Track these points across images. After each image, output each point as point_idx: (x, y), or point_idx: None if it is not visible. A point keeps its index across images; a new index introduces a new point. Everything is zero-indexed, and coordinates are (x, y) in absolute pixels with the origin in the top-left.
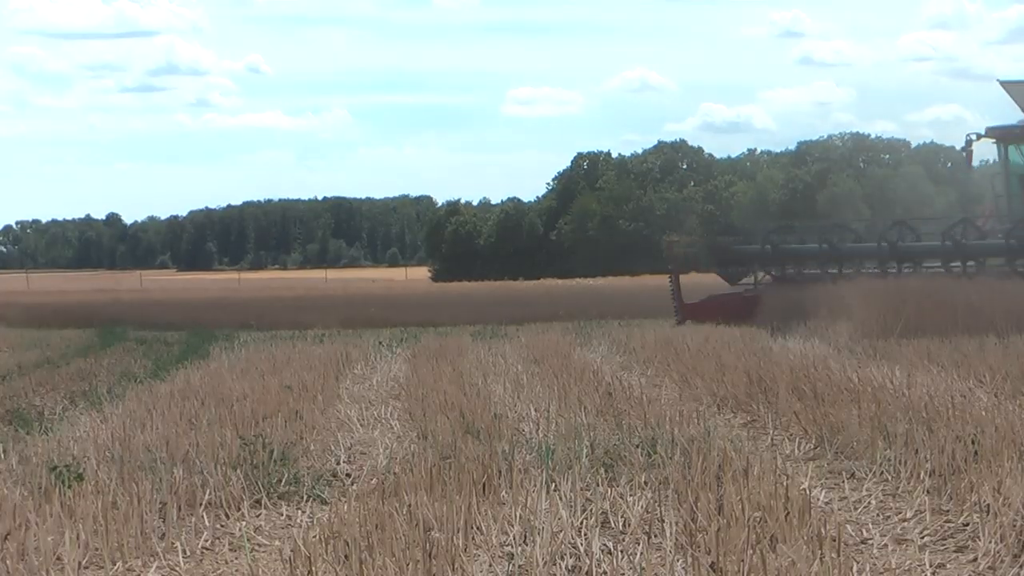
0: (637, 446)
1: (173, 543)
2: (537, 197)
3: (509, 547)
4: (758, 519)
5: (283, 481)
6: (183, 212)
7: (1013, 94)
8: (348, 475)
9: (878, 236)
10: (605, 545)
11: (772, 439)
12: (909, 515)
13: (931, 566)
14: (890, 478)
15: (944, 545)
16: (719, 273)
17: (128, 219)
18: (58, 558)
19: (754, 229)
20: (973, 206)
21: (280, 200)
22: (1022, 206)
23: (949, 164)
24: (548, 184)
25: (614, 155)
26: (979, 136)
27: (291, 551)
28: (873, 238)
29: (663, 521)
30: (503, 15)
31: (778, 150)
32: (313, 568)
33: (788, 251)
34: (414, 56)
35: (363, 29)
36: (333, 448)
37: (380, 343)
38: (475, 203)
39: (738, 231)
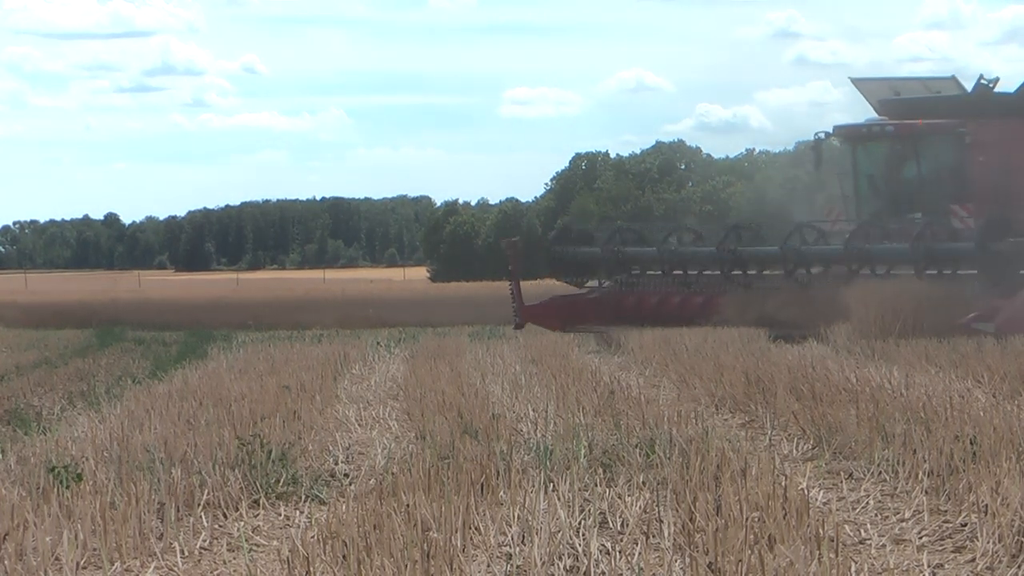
0: (635, 446)
1: (171, 543)
2: (535, 197)
3: (507, 547)
4: (756, 519)
5: (281, 481)
6: (181, 212)
7: (864, 92)
8: (346, 475)
9: (717, 241)
10: (603, 545)
11: (770, 439)
12: (907, 515)
13: (929, 566)
14: (888, 478)
15: (942, 545)
16: (556, 276)
17: (126, 219)
18: (56, 558)
19: (594, 232)
20: (830, 208)
21: (278, 200)
22: (871, 208)
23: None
24: (546, 184)
25: (612, 155)
26: (827, 135)
27: (289, 551)
28: (715, 242)
29: (661, 521)
30: (499, 16)
31: (776, 150)
32: (311, 568)
33: (628, 255)
34: (411, 56)
35: (359, 30)
36: (331, 448)
37: (378, 343)
38: (473, 203)
39: (577, 235)
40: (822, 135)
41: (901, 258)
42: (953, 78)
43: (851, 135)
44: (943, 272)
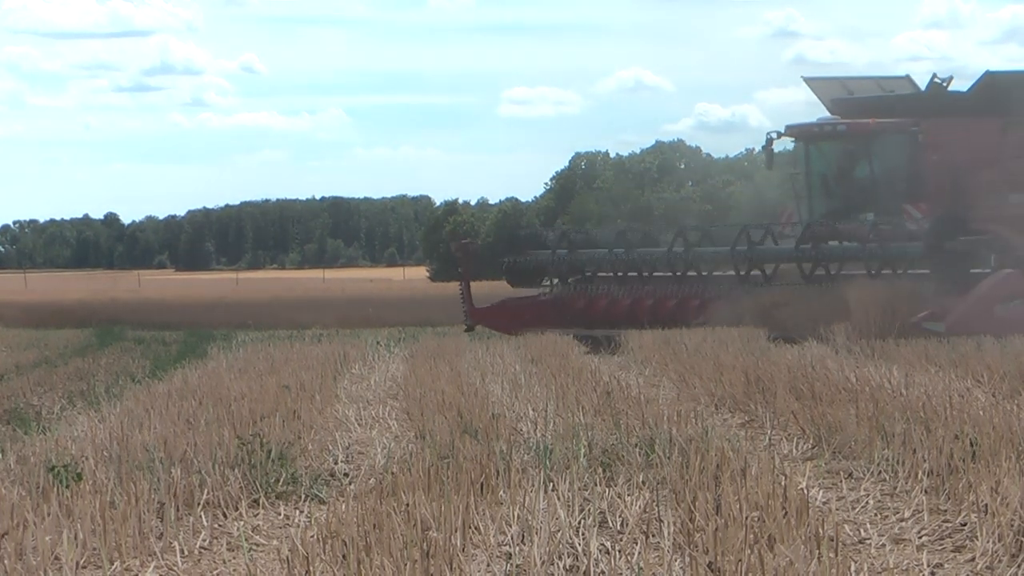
0: (635, 446)
1: (171, 543)
2: (535, 197)
3: (507, 547)
4: (756, 519)
5: (281, 481)
6: (181, 212)
7: (817, 91)
8: (346, 475)
9: (668, 242)
10: (603, 545)
11: (770, 439)
12: (907, 515)
13: (929, 566)
14: (888, 478)
15: (942, 545)
16: (510, 281)
17: (126, 219)
18: (56, 558)
19: (546, 235)
20: (783, 208)
21: (278, 200)
22: (824, 208)
23: None
24: (546, 184)
25: (612, 155)
26: (779, 135)
27: (289, 551)
28: (666, 244)
29: (661, 521)
30: (498, 16)
31: (777, 149)
32: (311, 568)
33: (579, 257)
34: (410, 56)
35: (358, 29)
36: (331, 448)
37: (378, 343)
38: (473, 203)
39: (529, 237)
40: (774, 134)
41: (852, 258)
42: (907, 77)
43: (803, 134)
44: (895, 272)
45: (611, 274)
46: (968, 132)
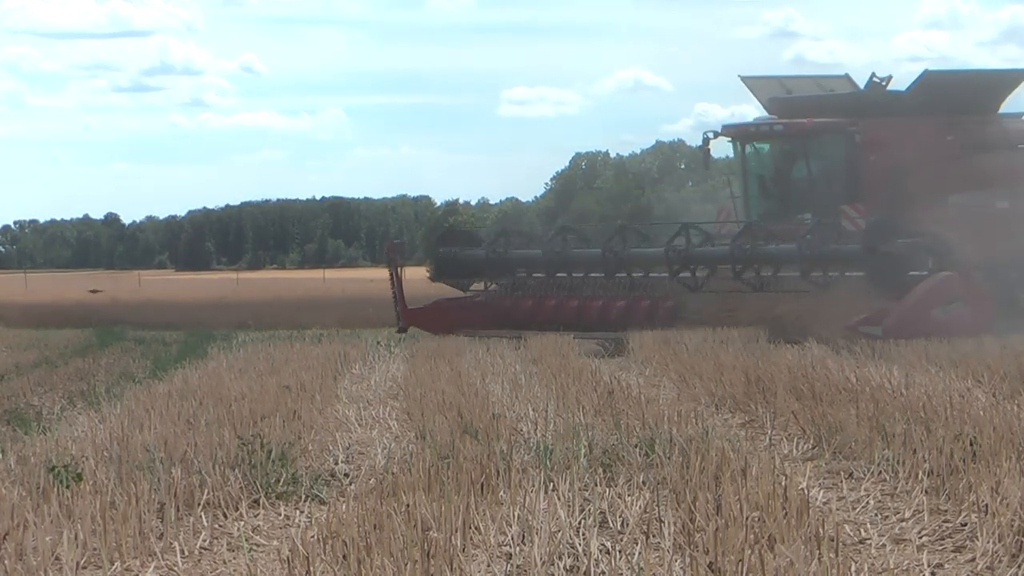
0: (635, 446)
1: (171, 543)
2: (535, 197)
3: (507, 547)
4: (756, 519)
5: (281, 481)
6: (181, 212)
7: (754, 90)
8: (346, 475)
9: (602, 243)
10: (603, 545)
11: (770, 439)
12: (907, 515)
13: (929, 566)
14: (888, 478)
15: (942, 545)
16: (443, 281)
17: (126, 219)
18: (56, 558)
19: (480, 235)
20: (720, 208)
21: (278, 200)
22: (761, 208)
23: None
24: (547, 184)
25: (612, 155)
26: (716, 134)
27: (289, 551)
28: (602, 244)
29: (661, 521)
30: (497, 16)
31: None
32: (311, 568)
33: (513, 257)
34: (409, 56)
35: (358, 29)
36: (331, 448)
37: (378, 343)
38: (474, 203)
39: (462, 237)
40: (711, 134)
41: (788, 260)
42: (846, 76)
43: (739, 134)
44: (830, 274)
45: (545, 275)
46: (907, 132)
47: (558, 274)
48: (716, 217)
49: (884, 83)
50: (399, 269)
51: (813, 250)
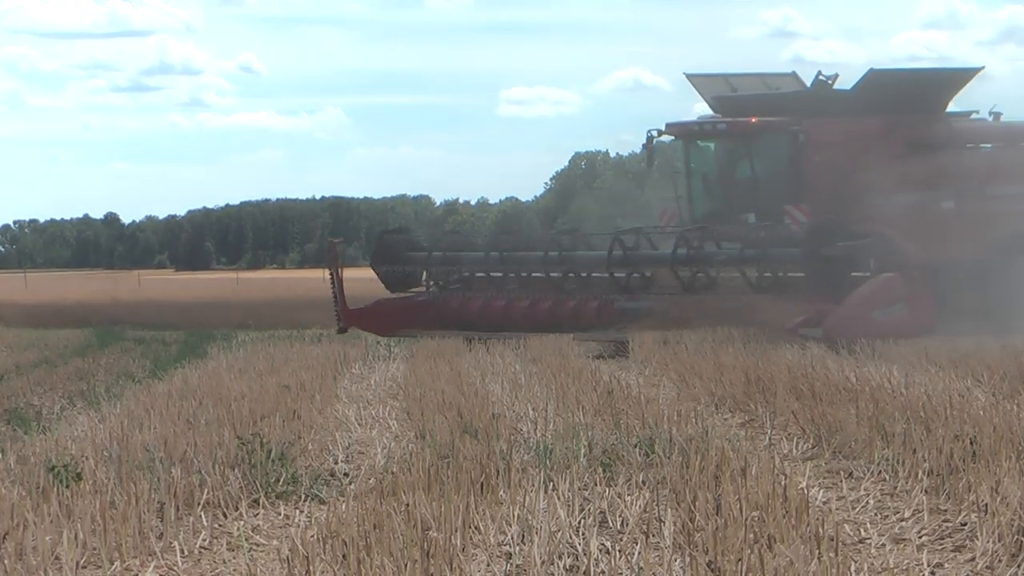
0: (635, 446)
1: (171, 543)
2: (535, 196)
3: (507, 547)
4: (756, 518)
5: (281, 481)
6: (181, 212)
7: (699, 88)
8: (346, 475)
9: (545, 244)
10: (603, 544)
11: (770, 439)
12: (907, 514)
13: (929, 565)
14: (888, 477)
15: (942, 544)
16: (383, 280)
17: (126, 219)
18: (56, 558)
19: (423, 234)
20: (663, 208)
21: (278, 200)
22: (705, 209)
23: None
24: (546, 184)
25: (612, 155)
26: (660, 132)
27: (289, 551)
28: (547, 246)
29: (661, 521)
30: (496, 15)
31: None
32: (311, 568)
33: (455, 258)
34: (408, 56)
35: (357, 29)
36: (331, 448)
37: (378, 343)
38: (473, 203)
39: (404, 238)
40: (654, 132)
41: (730, 262)
42: (793, 74)
43: (683, 132)
44: (776, 275)
45: (488, 276)
46: (851, 131)
47: (501, 274)
48: (659, 217)
49: (830, 82)
50: (339, 269)
51: (755, 252)
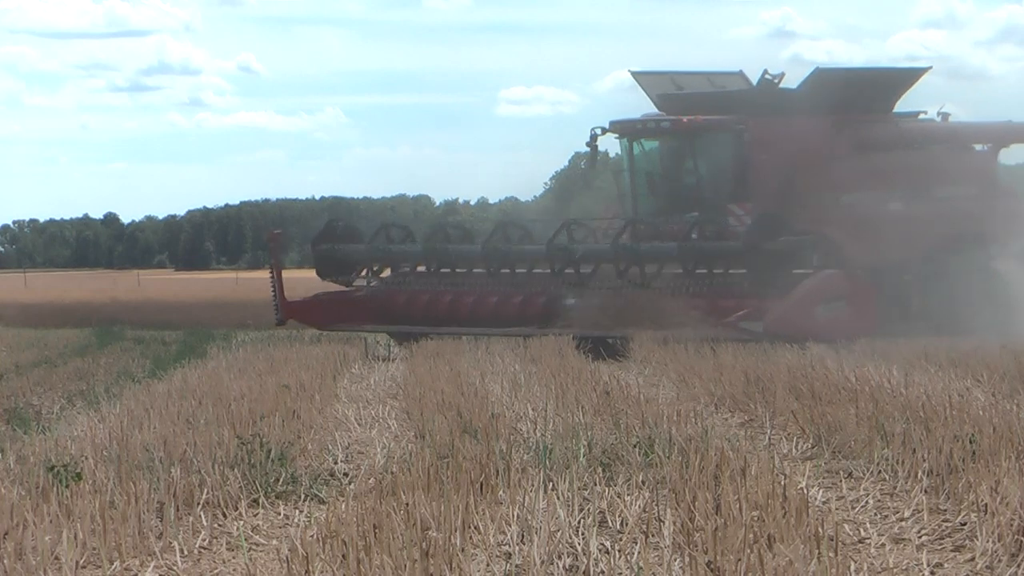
0: (635, 446)
1: (171, 543)
2: (535, 196)
3: (507, 546)
4: (755, 518)
5: (280, 480)
6: (180, 212)
7: (645, 85)
8: (346, 474)
9: (483, 240)
10: (603, 544)
11: (770, 438)
12: (907, 514)
13: (929, 565)
14: (888, 477)
15: (942, 544)
16: (316, 263)
17: (126, 219)
18: (56, 558)
19: (362, 229)
20: (607, 206)
21: (278, 200)
22: (648, 207)
23: None
24: (546, 184)
25: (612, 155)
26: (604, 130)
27: (289, 550)
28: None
29: (661, 520)
30: (494, 15)
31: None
32: (311, 567)
33: (395, 252)
34: (407, 56)
35: (355, 29)
36: (331, 447)
37: (378, 342)
38: (473, 202)
39: (343, 231)
40: (598, 130)
41: (669, 257)
42: (740, 73)
43: (626, 130)
44: (713, 272)
45: (428, 271)
46: (796, 130)
47: (442, 270)
48: (603, 215)
49: (777, 80)
50: (279, 261)
51: (694, 247)
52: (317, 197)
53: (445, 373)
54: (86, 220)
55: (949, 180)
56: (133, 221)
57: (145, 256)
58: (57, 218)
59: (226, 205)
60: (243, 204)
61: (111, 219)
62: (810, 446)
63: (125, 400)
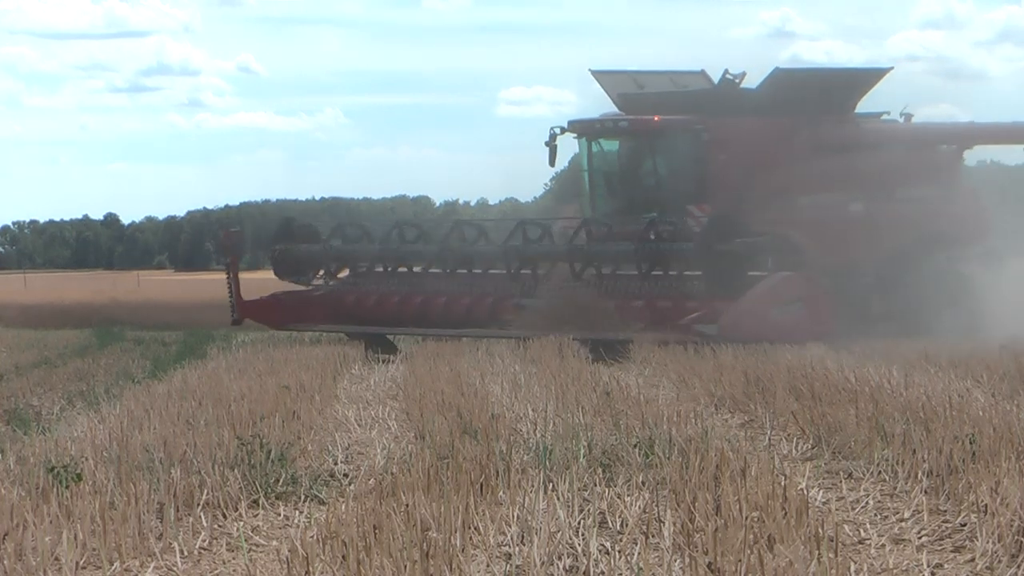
0: (635, 446)
1: (171, 543)
2: (535, 197)
3: (507, 547)
4: (756, 519)
5: (280, 481)
6: (180, 212)
7: (605, 85)
8: (345, 475)
9: (439, 240)
10: (603, 545)
11: (770, 439)
12: (907, 515)
13: (929, 566)
14: (888, 478)
15: (942, 545)
16: (272, 263)
17: (126, 219)
18: (56, 558)
19: (317, 228)
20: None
21: (277, 200)
22: (608, 207)
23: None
24: (546, 184)
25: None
26: (562, 130)
27: (288, 551)
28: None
29: (661, 521)
30: (493, 15)
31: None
32: (311, 568)
33: (350, 252)
34: (406, 56)
35: (354, 30)
36: (331, 448)
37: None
38: (473, 203)
39: (300, 231)
40: (557, 130)
41: (624, 258)
42: (702, 72)
43: (585, 130)
44: (669, 273)
45: (385, 270)
46: (756, 131)
47: (400, 270)
48: (563, 214)
49: (738, 80)
50: (235, 260)
51: (648, 248)
52: (317, 198)
53: (445, 374)
54: (86, 221)
55: (911, 181)
56: (133, 222)
57: (145, 257)
58: (57, 219)
59: (226, 206)
60: (243, 205)
61: (111, 220)
62: (810, 447)
63: (125, 401)
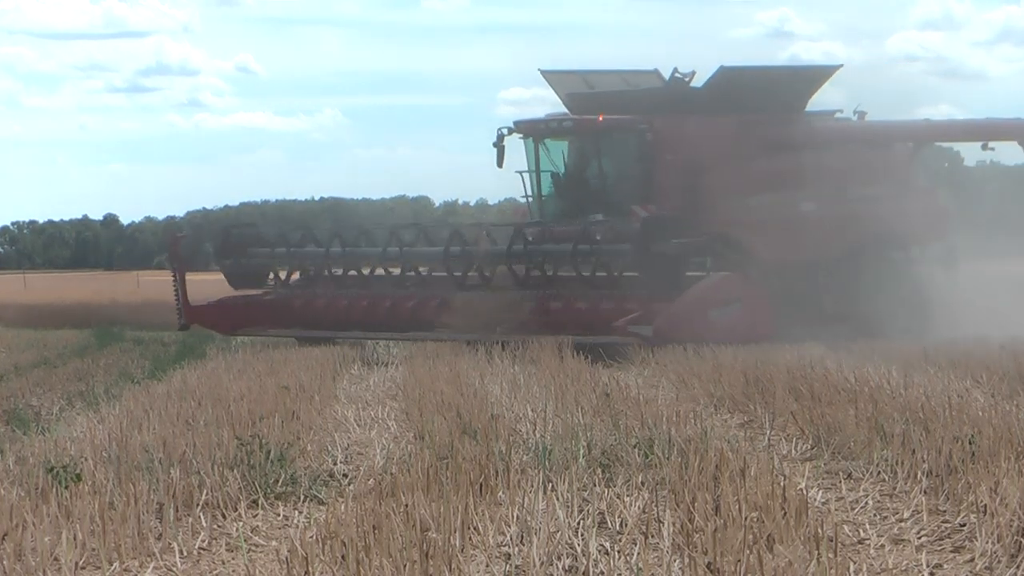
0: (634, 446)
1: (170, 544)
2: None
3: (506, 547)
4: (755, 519)
5: (280, 481)
6: (180, 213)
7: (554, 84)
8: (345, 475)
9: (384, 241)
10: (602, 545)
11: (769, 439)
12: (906, 515)
13: (928, 566)
14: (887, 478)
15: (941, 545)
16: (226, 276)
17: (125, 220)
18: (55, 559)
19: (268, 231)
20: (516, 208)
21: (277, 200)
22: (554, 208)
23: (946, 164)
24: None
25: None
26: (509, 131)
27: (288, 551)
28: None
29: (660, 521)
30: (492, 16)
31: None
32: (310, 568)
33: (299, 256)
34: (405, 57)
35: (353, 30)
36: (330, 448)
37: (377, 343)
38: (472, 203)
39: (248, 236)
40: (504, 130)
41: (562, 259)
42: (655, 71)
43: (531, 130)
44: (611, 274)
45: (333, 274)
46: (702, 130)
47: (349, 272)
48: (513, 216)
49: (687, 79)
50: (183, 264)
51: (585, 250)
52: (316, 198)
53: (444, 374)
54: (85, 221)
55: (864, 180)
56: (133, 222)
57: (145, 257)
58: (56, 219)
59: (225, 206)
60: (242, 205)
61: (111, 220)
62: (809, 447)
63: (124, 401)
